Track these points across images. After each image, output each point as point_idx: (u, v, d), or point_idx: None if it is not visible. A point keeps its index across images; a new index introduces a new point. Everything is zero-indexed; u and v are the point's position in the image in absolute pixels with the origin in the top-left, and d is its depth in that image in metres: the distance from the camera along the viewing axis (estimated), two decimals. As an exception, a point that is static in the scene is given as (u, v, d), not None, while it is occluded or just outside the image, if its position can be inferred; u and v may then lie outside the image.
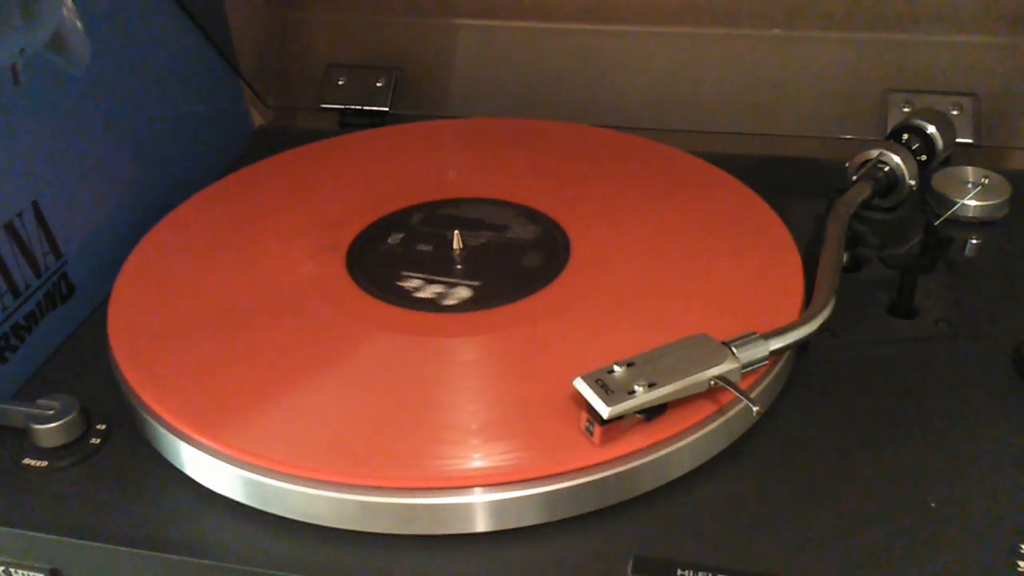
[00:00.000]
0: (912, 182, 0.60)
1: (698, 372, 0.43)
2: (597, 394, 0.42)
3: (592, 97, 0.78)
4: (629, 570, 0.40)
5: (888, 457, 0.45)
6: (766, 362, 0.46)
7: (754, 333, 0.46)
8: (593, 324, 0.51)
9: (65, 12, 0.56)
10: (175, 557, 0.42)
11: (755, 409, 0.43)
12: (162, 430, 0.46)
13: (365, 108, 0.81)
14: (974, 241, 0.59)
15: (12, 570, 0.45)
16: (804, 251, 0.55)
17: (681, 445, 0.44)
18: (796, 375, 0.50)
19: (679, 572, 0.39)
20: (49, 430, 0.47)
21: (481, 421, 0.45)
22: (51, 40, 0.55)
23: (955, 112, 0.69)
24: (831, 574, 0.40)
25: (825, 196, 0.61)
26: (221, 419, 0.46)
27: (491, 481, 0.42)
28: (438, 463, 0.43)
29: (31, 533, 0.44)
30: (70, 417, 0.47)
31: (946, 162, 0.64)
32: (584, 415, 0.43)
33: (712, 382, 0.44)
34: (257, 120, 0.83)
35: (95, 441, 0.48)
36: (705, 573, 0.39)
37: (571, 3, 0.76)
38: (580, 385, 0.43)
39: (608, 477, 0.42)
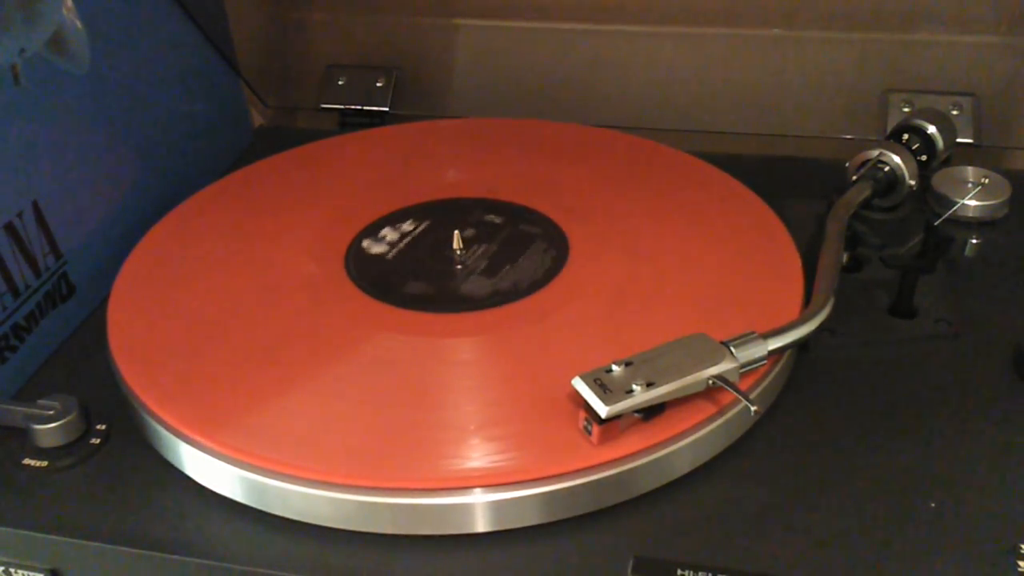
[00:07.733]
0: (912, 182, 0.59)
1: (696, 372, 0.43)
2: (595, 393, 0.42)
3: (592, 97, 0.78)
4: (629, 570, 0.40)
5: (888, 457, 0.45)
6: (765, 362, 0.46)
7: (753, 333, 0.46)
8: (592, 323, 0.51)
9: (65, 12, 0.56)
10: (175, 557, 0.42)
11: (753, 409, 0.43)
12: (162, 430, 0.46)
13: (365, 108, 0.81)
14: (974, 241, 0.59)
15: (12, 570, 0.45)
16: (804, 251, 0.55)
17: (681, 445, 0.44)
18: (796, 375, 0.50)
19: (679, 572, 0.39)
20: (49, 430, 0.47)
21: (481, 421, 0.45)
22: (51, 40, 0.55)
23: (955, 112, 0.69)
24: (831, 574, 0.40)
25: (825, 196, 0.61)
26: (221, 419, 0.46)
27: (491, 481, 0.42)
28: (438, 463, 0.43)
29: (31, 533, 0.44)
30: (70, 417, 0.47)
31: (946, 162, 0.64)
32: (582, 414, 0.43)
33: (710, 382, 0.44)
34: (257, 120, 0.83)
35: (95, 441, 0.48)
36: (705, 573, 0.39)
37: (571, 3, 0.76)
38: (578, 384, 0.43)
39: (608, 477, 0.42)
